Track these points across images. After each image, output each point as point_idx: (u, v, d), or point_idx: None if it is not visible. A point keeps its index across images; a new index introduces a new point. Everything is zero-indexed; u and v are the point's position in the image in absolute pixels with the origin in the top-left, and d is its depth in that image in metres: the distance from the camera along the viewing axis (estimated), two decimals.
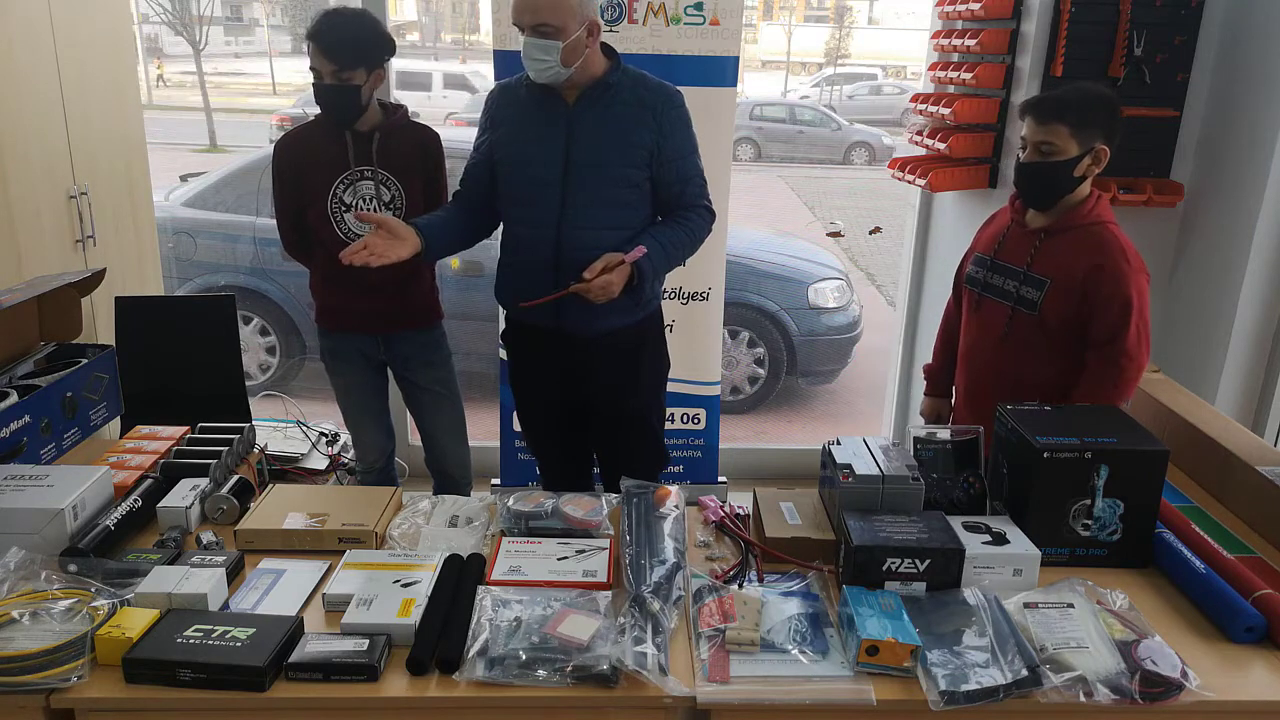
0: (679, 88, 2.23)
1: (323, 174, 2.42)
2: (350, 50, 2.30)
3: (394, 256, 2.04)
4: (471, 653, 1.38)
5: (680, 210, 2.24)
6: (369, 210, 2.43)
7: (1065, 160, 2.07)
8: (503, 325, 2.50)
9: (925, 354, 2.59)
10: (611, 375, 2.32)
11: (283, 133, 2.58)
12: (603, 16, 2.85)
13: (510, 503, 1.76)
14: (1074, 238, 2.12)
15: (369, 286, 2.48)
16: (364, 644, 1.38)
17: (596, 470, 2.62)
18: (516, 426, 3.30)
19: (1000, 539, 1.61)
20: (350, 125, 2.40)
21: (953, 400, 2.49)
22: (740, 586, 1.58)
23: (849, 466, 1.68)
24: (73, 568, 1.53)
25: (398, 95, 2.98)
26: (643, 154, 2.16)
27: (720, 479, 3.47)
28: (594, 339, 2.26)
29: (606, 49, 2.21)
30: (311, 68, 2.33)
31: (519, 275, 2.27)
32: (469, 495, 2.73)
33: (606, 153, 2.15)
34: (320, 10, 2.39)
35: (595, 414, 2.43)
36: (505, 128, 2.24)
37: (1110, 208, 2.17)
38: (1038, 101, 2.11)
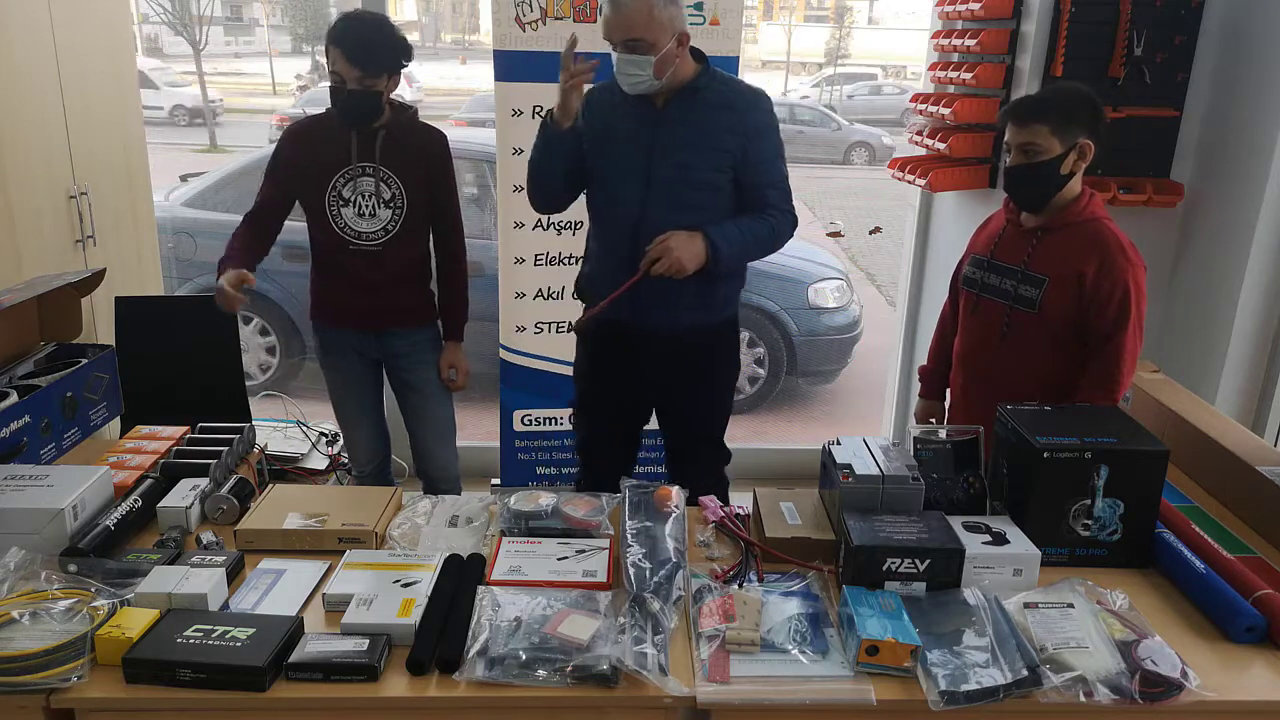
0: None
1: (324, 167, 2.42)
2: (375, 56, 2.29)
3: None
4: (471, 653, 1.38)
5: (764, 210, 2.25)
6: (369, 207, 2.43)
7: (1050, 159, 2.07)
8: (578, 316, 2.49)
9: (925, 354, 2.59)
10: (683, 374, 2.35)
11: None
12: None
13: (510, 503, 1.76)
14: (1071, 235, 2.12)
15: (365, 283, 2.48)
16: (364, 644, 1.38)
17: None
18: (517, 426, 3.31)
19: (1000, 539, 1.61)
20: (365, 127, 2.40)
21: (947, 402, 2.50)
22: (740, 586, 1.58)
23: (849, 466, 1.68)
24: (73, 568, 1.53)
25: None
26: (726, 158, 2.18)
27: None
28: (669, 336, 2.29)
29: (695, 53, 2.22)
30: (333, 71, 2.30)
31: (597, 271, 2.33)
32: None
33: (690, 156, 2.18)
34: (341, 13, 2.38)
35: (662, 413, 2.48)
36: (596, 127, 2.25)
37: (1104, 205, 2.17)
38: (1016, 104, 2.14)
